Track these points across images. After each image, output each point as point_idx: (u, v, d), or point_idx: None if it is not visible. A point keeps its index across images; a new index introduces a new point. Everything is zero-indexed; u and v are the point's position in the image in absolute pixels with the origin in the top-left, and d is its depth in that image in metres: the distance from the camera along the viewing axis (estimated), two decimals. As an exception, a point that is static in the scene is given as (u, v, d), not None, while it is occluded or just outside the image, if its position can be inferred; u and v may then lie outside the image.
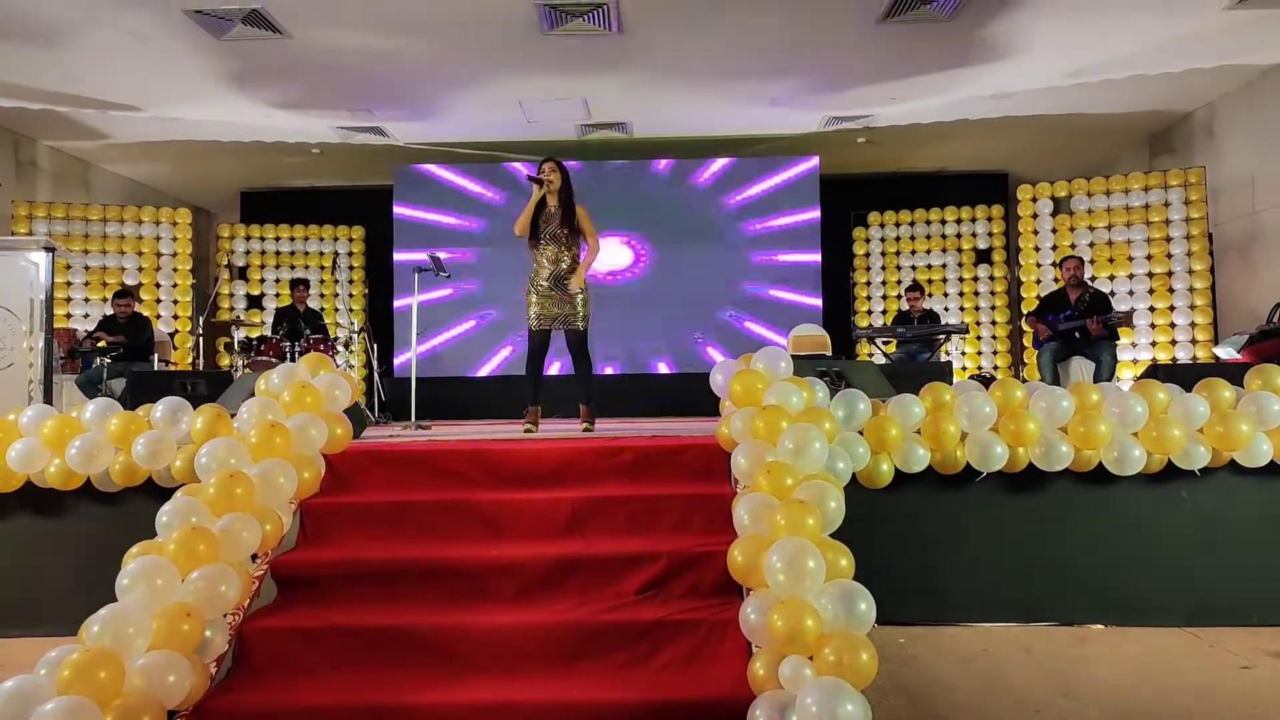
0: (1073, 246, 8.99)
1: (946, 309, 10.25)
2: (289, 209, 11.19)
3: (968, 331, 9.41)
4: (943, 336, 8.35)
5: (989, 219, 10.29)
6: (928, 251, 10.45)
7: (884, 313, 10.33)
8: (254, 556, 3.28)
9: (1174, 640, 3.69)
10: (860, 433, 3.82)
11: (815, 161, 10.08)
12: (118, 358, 7.54)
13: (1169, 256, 8.57)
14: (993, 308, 10.29)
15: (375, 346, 9.29)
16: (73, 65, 7.25)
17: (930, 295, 10.11)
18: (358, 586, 3.36)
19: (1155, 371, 5.04)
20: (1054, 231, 9.20)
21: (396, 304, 10.29)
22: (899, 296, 10.16)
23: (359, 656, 3.04)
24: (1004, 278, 10.29)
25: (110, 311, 8.20)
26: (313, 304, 9.85)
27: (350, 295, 10.86)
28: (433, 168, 10.24)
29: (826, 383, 4.13)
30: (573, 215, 5.28)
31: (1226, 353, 6.88)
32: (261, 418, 3.61)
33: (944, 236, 10.41)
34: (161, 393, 4.31)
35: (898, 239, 10.55)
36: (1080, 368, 7.25)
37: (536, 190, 5.27)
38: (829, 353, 7.69)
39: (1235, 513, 3.95)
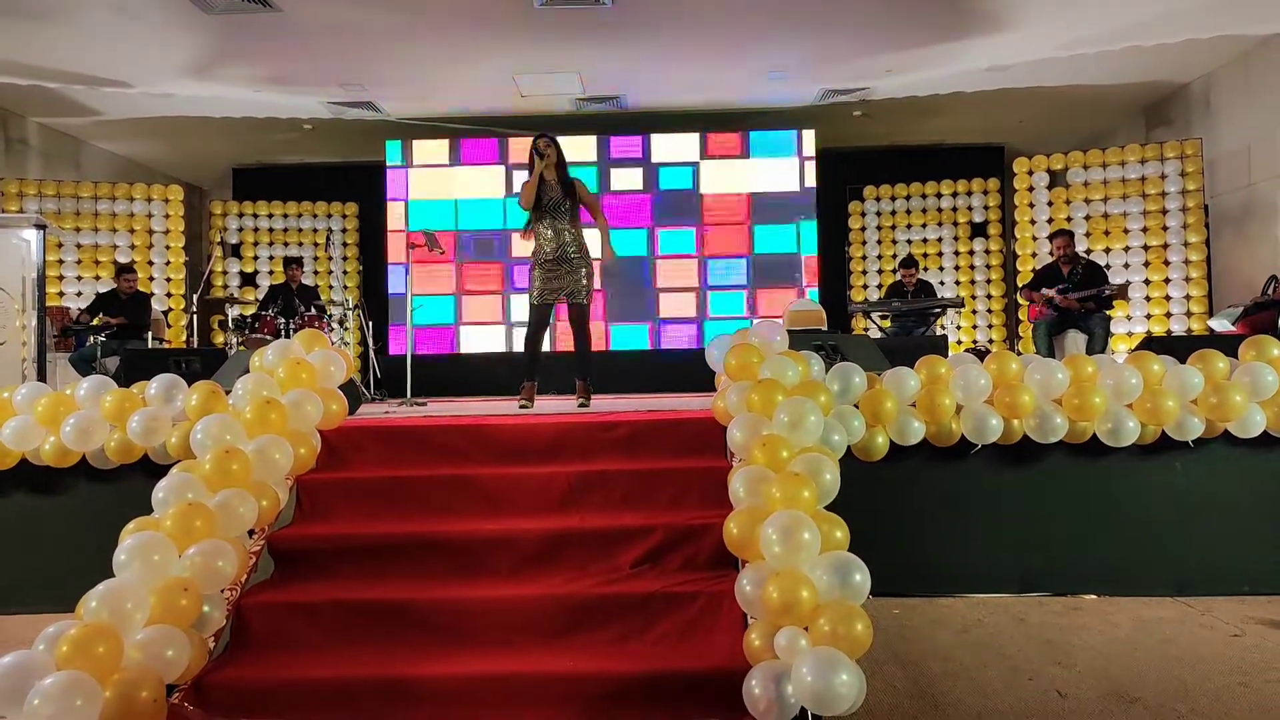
0: (1069, 219, 8.96)
1: (942, 283, 10.23)
2: (281, 186, 11.11)
3: (963, 305, 9.41)
4: (938, 311, 8.35)
5: (985, 192, 10.26)
6: (924, 225, 10.41)
7: (879, 287, 10.31)
8: (251, 532, 3.29)
9: (1165, 609, 3.72)
10: (856, 405, 3.83)
11: (811, 135, 10.02)
12: (112, 335, 7.52)
13: (1165, 229, 8.55)
14: (988, 281, 10.28)
15: (370, 323, 9.28)
16: (62, 41, 7.17)
17: (925, 270, 10.10)
18: (355, 561, 3.37)
19: (1150, 343, 5.05)
20: (1050, 204, 9.17)
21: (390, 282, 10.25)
22: (894, 271, 10.14)
23: (356, 630, 3.05)
24: (1000, 251, 10.28)
25: (111, 287, 8.14)
26: (306, 281, 9.81)
27: (344, 272, 10.81)
28: (425, 143, 10.15)
29: (822, 356, 4.13)
30: (571, 188, 5.27)
31: (1221, 325, 6.90)
32: (257, 394, 3.60)
33: (940, 210, 10.37)
34: (156, 371, 4.29)
35: (894, 213, 10.51)
36: (1075, 340, 7.25)
37: (537, 163, 5.25)
38: (825, 327, 7.69)
39: (1227, 483, 3.98)
